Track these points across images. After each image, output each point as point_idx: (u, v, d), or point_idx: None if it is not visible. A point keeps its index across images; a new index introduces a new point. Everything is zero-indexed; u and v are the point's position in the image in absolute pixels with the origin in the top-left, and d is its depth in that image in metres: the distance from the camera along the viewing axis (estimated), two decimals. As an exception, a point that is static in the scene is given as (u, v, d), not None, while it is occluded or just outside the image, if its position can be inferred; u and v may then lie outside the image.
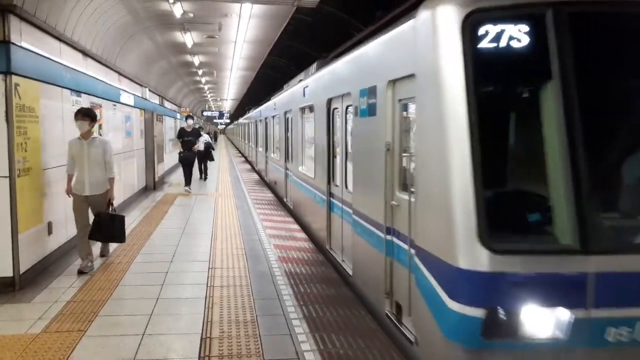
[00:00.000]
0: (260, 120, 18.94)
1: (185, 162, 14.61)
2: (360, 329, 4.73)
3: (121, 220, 6.88)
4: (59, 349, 4.25)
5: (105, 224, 6.57)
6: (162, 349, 4.30)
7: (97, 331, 4.63)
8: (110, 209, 6.71)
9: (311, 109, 8.57)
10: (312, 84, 8.55)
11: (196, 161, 15.75)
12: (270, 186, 15.93)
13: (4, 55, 5.58)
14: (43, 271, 6.36)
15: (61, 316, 4.98)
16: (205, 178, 17.49)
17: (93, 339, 4.47)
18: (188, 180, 14.53)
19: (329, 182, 7.26)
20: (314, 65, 9.29)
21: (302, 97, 9.29)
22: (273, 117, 14.81)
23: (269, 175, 16.40)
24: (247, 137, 29.09)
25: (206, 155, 17.11)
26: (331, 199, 7.21)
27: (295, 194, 10.68)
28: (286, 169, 12.08)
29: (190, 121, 15.19)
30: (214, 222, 9.86)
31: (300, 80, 10.32)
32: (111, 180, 6.68)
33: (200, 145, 15.84)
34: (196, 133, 15.16)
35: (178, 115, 24.45)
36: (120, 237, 6.87)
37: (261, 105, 20.23)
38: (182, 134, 14.71)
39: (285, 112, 11.86)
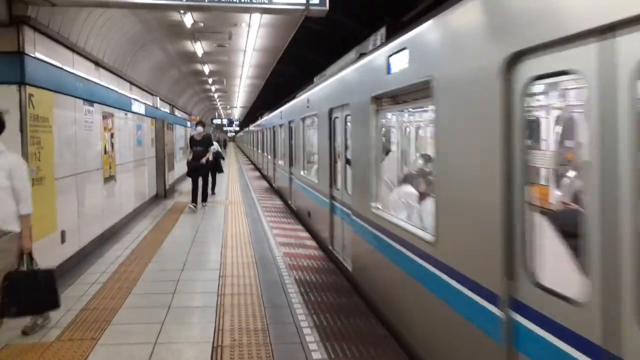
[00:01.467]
0: (281, 125, 15.13)
1: (194, 174, 12.67)
2: (371, 338, 4.72)
3: (48, 277, 4.68)
4: (73, 357, 4.28)
5: (21, 288, 4.39)
6: (174, 358, 4.32)
7: (109, 339, 4.66)
8: (25, 264, 4.51)
9: (405, 95, 4.90)
10: (424, 39, 4.16)
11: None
12: (297, 215, 11.78)
13: (19, 66, 5.68)
14: (56, 280, 6.40)
15: (74, 324, 5.02)
16: (213, 192, 15.23)
17: (106, 347, 4.50)
18: (195, 197, 12.54)
19: (510, 271, 2.84)
20: (382, 31, 5.94)
21: (385, 74, 4.93)
22: (303, 119, 10.92)
23: (296, 199, 12.12)
24: (261, 146, 24.09)
25: (214, 166, 14.92)
26: (516, 316, 2.81)
27: (365, 254, 5.90)
28: (332, 198, 7.69)
29: (200, 128, 13.18)
30: (224, 230, 9.89)
31: (362, 55, 6.31)
32: (25, 219, 4.41)
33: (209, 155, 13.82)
34: (207, 141, 13.10)
35: (188, 124, 24.60)
36: (50, 301, 4.69)
37: (281, 106, 16.14)
38: (192, 143, 12.89)
39: (331, 110, 7.63)
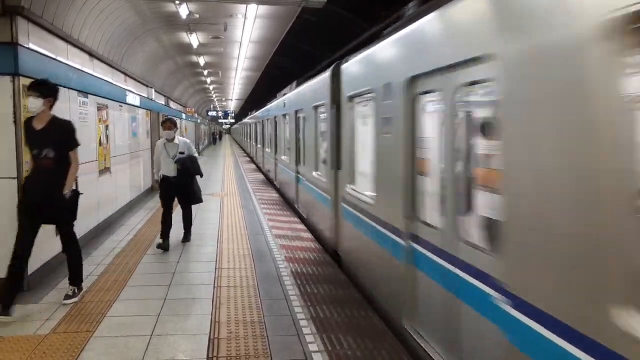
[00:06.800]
0: (303, 111, 10.08)
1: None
2: (368, 330, 4.72)
3: None
4: (68, 350, 4.26)
5: None
6: (171, 350, 4.30)
7: (105, 332, 4.64)
8: None
9: None
10: None
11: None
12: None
13: (12, 57, 5.61)
14: (51, 272, 6.39)
15: (69, 317, 5.00)
16: (187, 237, 8.15)
17: (101, 339, 4.48)
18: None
19: None
20: None
21: None
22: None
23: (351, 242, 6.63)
24: (270, 143, 17.35)
25: (183, 188, 7.75)
26: None
27: None
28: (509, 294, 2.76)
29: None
30: (220, 222, 9.86)
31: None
32: None
33: (164, 167, 7.62)
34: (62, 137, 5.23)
35: (183, 116, 24.50)
36: None
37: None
38: (27, 133, 5.24)
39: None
